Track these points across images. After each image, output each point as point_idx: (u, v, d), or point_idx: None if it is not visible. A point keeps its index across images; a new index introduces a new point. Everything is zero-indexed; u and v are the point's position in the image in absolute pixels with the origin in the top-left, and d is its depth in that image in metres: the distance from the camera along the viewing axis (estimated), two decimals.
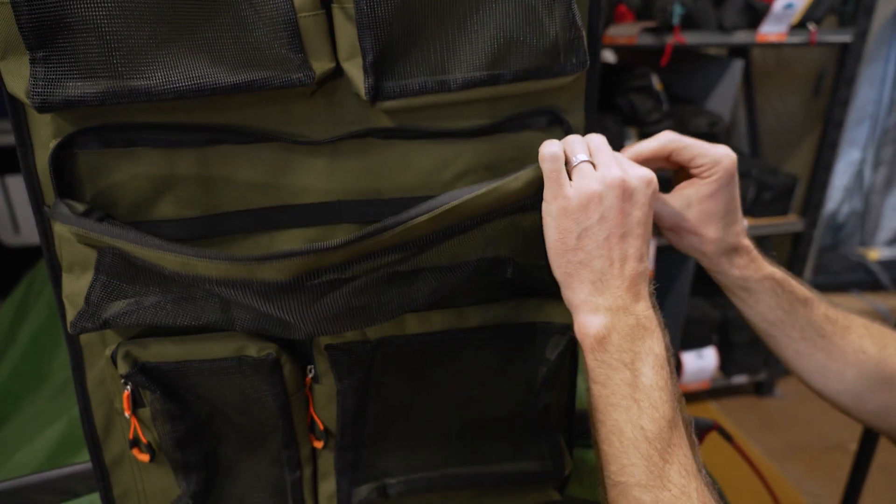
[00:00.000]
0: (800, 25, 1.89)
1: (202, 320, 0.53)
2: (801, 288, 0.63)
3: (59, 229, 0.52)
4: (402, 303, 0.54)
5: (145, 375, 0.57)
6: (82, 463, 0.66)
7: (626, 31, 1.74)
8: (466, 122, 0.56)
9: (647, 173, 0.51)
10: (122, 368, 0.57)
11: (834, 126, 2.03)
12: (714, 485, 0.49)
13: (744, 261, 0.61)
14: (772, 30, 1.86)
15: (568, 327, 0.63)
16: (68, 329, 0.53)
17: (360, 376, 0.59)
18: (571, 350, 0.65)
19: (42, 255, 0.56)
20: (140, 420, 0.60)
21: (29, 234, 2.53)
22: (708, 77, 2.10)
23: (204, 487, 0.64)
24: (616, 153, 0.52)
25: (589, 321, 0.50)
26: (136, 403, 0.60)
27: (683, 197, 0.58)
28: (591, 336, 0.50)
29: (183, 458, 0.61)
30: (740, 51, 2.24)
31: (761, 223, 2.14)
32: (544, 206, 0.51)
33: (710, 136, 2.00)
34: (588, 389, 0.51)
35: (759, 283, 0.61)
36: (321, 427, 0.62)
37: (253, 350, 0.57)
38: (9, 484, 0.63)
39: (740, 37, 1.85)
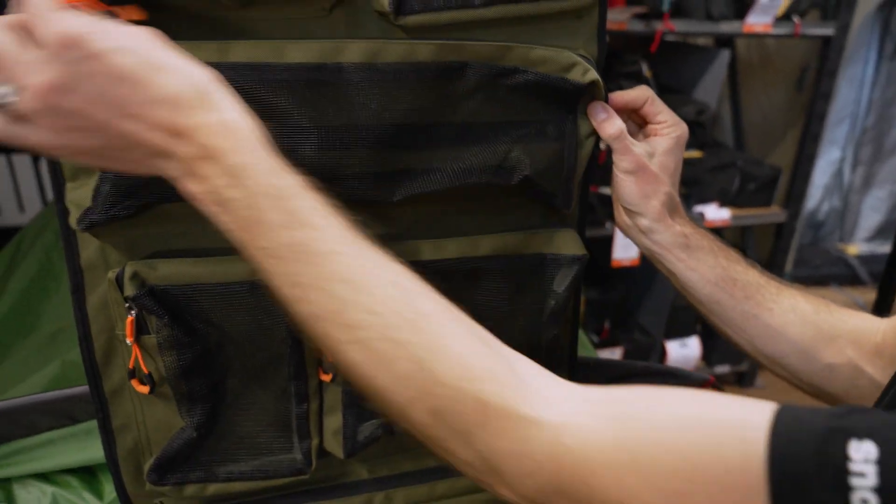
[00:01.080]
0: (785, 17, 1.95)
1: None
2: (730, 248, 0.66)
3: None
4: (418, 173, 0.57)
5: (153, 299, 0.56)
6: (82, 386, 0.65)
7: (617, 17, 1.78)
8: None
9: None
10: (129, 290, 0.55)
11: (817, 119, 2.09)
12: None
13: (683, 220, 0.64)
14: (758, 20, 1.91)
15: (576, 259, 0.65)
16: (74, 224, 0.53)
17: None
18: (577, 284, 0.67)
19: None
20: (143, 348, 0.59)
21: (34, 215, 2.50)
22: (695, 67, 2.15)
23: (208, 420, 0.62)
24: None
25: (187, 190, 0.42)
26: (139, 330, 0.58)
27: (649, 144, 0.64)
28: (204, 202, 0.42)
29: (188, 388, 0.60)
30: (727, 42, 2.29)
31: (745, 213, 2.19)
32: None
33: (697, 125, 2.05)
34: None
35: (699, 239, 0.63)
36: (330, 359, 0.63)
37: None
38: (6, 404, 0.63)
39: (727, 26, 1.90)
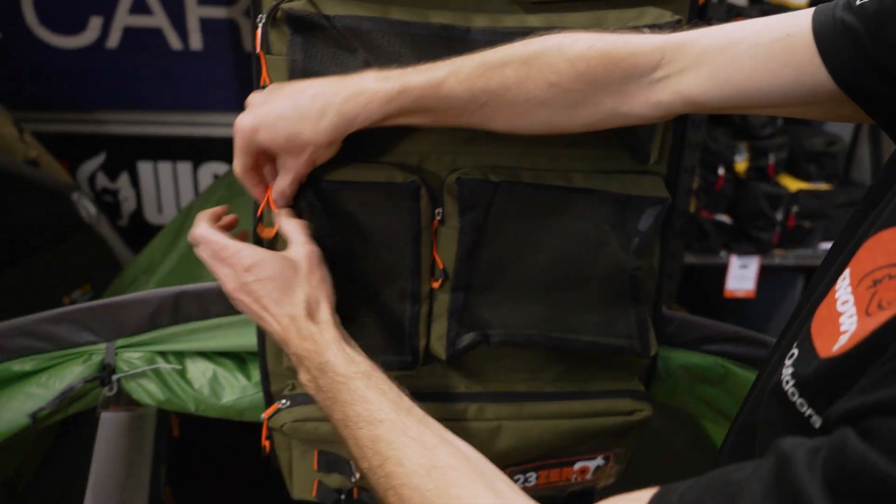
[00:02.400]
0: None
1: None
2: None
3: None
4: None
5: (312, 190, 0.69)
6: None
7: None
8: None
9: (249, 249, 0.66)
10: None
11: None
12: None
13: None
14: None
15: (659, 200, 0.74)
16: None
17: (480, 213, 0.72)
18: (660, 224, 0.76)
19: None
20: None
21: (169, 215, 2.90)
22: None
23: (340, 308, 0.71)
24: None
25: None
26: None
27: None
28: (309, 389, 0.63)
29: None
30: None
31: None
32: None
33: (828, 156, 2.03)
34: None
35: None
36: (440, 266, 0.76)
37: (400, 178, 0.72)
38: (193, 287, 0.81)
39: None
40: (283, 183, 0.67)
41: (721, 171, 1.97)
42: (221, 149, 2.87)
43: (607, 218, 0.75)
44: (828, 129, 2.11)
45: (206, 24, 2.66)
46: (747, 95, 0.58)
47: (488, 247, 0.75)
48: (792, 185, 2.03)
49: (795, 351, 0.46)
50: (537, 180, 0.73)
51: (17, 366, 0.82)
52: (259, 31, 0.68)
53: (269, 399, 0.81)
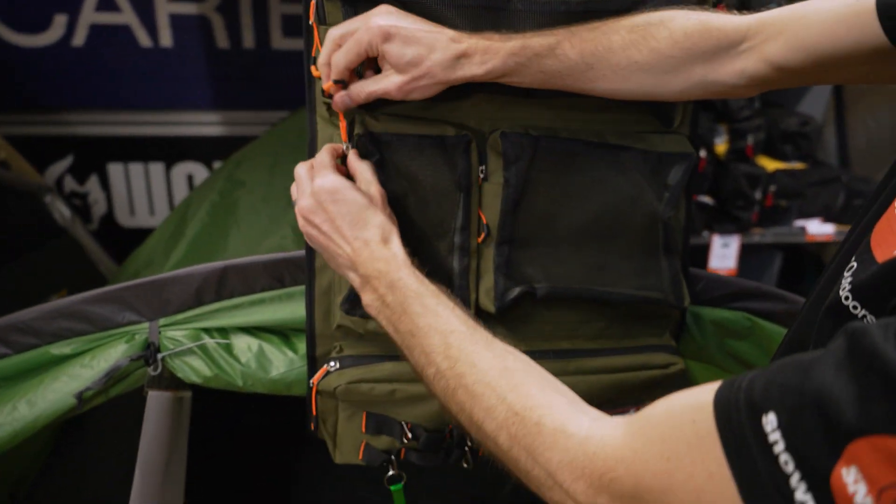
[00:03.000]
0: None
1: None
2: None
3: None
4: None
5: (371, 140, 0.74)
6: (292, 252, 0.84)
7: None
8: None
9: (332, 177, 0.70)
10: (357, 130, 0.74)
11: None
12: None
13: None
14: None
15: (687, 156, 0.79)
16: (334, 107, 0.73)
17: (523, 166, 0.76)
18: (687, 179, 0.81)
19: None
20: None
21: (142, 218, 2.86)
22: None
23: None
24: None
25: (364, 301, 0.68)
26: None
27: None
28: (372, 308, 0.67)
29: None
30: None
31: (847, 229, 2.22)
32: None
33: (802, 136, 2.13)
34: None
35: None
36: (484, 221, 0.79)
37: (451, 132, 0.75)
38: (239, 262, 0.82)
39: None
40: (372, 87, 0.70)
41: (703, 154, 2.05)
42: (195, 148, 2.83)
43: (641, 172, 0.80)
44: (801, 109, 2.22)
45: (176, 20, 2.62)
46: (817, 59, 0.64)
47: (530, 201, 0.79)
48: (769, 165, 2.13)
49: (855, 264, 0.49)
50: (574, 136, 0.77)
51: (57, 349, 0.81)
52: (313, 3, 0.71)
53: (313, 363, 0.83)
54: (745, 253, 2.21)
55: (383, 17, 0.68)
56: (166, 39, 2.63)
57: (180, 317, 0.82)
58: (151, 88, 2.69)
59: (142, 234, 2.86)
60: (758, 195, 2.11)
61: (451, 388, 0.58)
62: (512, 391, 0.54)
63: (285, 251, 0.86)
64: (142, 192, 2.85)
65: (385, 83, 0.70)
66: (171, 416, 0.84)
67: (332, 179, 0.69)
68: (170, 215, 1.57)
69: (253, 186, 1.42)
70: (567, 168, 0.79)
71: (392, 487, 0.87)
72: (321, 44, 0.72)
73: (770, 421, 0.37)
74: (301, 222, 0.72)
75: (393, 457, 0.85)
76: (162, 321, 0.82)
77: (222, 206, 1.39)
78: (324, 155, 0.73)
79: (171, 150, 2.82)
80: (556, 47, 0.69)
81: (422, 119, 0.76)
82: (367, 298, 0.68)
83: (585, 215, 0.81)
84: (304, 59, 0.75)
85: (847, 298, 0.47)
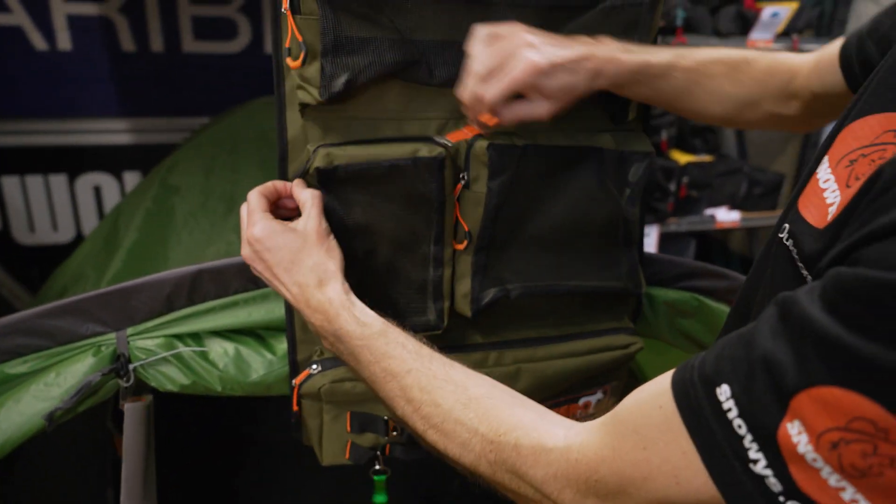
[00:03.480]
0: (784, 35, 2.23)
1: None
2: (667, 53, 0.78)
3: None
4: None
5: (333, 174, 0.72)
6: None
7: None
8: None
9: (258, 217, 0.70)
10: (320, 162, 0.72)
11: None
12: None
13: (621, 60, 0.74)
14: (760, 36, 2.19)
15: (647, 154, 0.85)
16: (319, 96, 0.71)
17: (508, 176, 0.78)
18: (647, 176, 0.87)
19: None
20: None
21: (43, 234, 2.68)
22: None
23: (362, 280, 0.75)
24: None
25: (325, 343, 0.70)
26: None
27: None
28: (334, 352, 0.69)
29: (348, 251, 0.74)
30: None
31: (753, 216, 2.42)
32: None
33: (710, 130, 2.30)
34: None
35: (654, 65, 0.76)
36: (466, 228, 0.81)
37: (425, 152, 0.76)
38: (213, 265, 0.80)
39: (733, 42, 2.17)
40: (524, 114, 0.73)
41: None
42: (102, 159, 2.68)
43: (606, 171, 0.85)
44: None
45: (75, 21, 2.49)
46: (826, 89, 0.74)
47: (507, 206, 0.81)
48: (681, 158, 2.29)
49: (787, 225, 0.55)
50: (551, 141, 0.81)
51: (12, 368, 0.77)
52: None
53: (295, 368, 0.83)
54: (663, 241, 2.36)
55: (534, 52, 0.69)
56: (65, 42, 2.49)
57: (150, 324, 0.80)
58: (49, 94, 2.53)
59: (43, 252, 2.71)
60: (672, 187, 2.25)
61: (421, 430, 0.59)
62: (482, 422, 0.55)
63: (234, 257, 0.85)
64: (42, 207, 2.68)
65: (538, 110, 0.73)
66: (146, 424, 0.81)
67: (262, 227, 0.69)
68: (97, 227, 1.49)
69: (188, 192, 1.38)
70: (543, 173, 0.82)
71: (376, 478, 0.88)
72: (299, 33, 0.71)
73: (724, 391, 0.41)
74: (248, 262, 0.72)
75: (379, 452, 0.86)
76: (130, 330, 0.79)
77: (158, 213, 1.34)
78: (253, 198, 0.72)
79: (74, 161, 2.67)
80: (670, 70, 0.75)
81: (397, 140, 0.77)
82: (326, 344, 0.70)
83: (556, 216, 0.84)
84: (273, 50, 0.73)
85: (786, 239, 0.53)
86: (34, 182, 2.63)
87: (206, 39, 2.64)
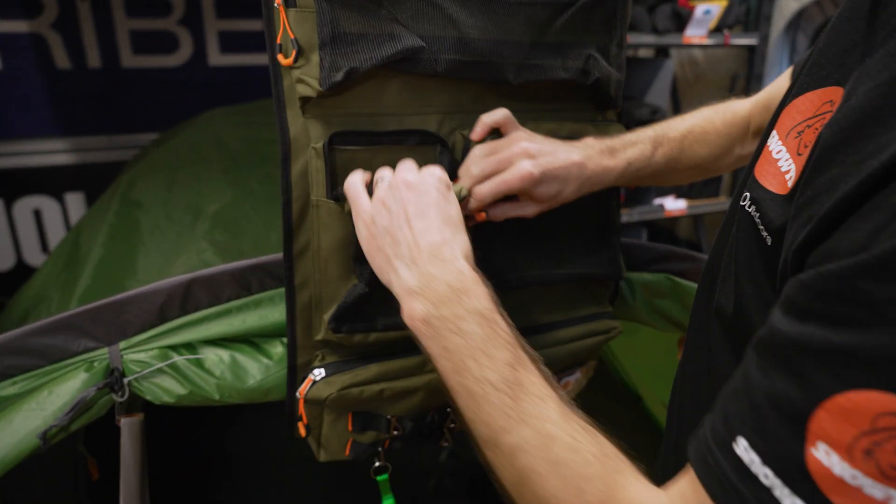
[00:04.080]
0: (716, 31, 2.35)
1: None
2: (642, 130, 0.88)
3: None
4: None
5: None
6: (261, 256, 0.83)
7: None
8: None
9: (433, 170, 0.69)
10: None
11: None
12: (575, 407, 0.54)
13: (623, 156, 0.83)
14: (695, 33, 2.30)
15: None
16: (319, 85, 0.70)
17: None
18: None
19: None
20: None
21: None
22: (643, 77, 2.51)
23: (375, 277, 0.71)
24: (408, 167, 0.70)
25: (412, 308, 0.60)
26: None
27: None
28: (417, 320, 0.60)
29: (359, 251, 0.72)
30: (665, 54, 2.68)
31: (697, 203, 2.53)
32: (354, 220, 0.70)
33: (654, 123, 2.39)
34: (436, 368, 0.59)
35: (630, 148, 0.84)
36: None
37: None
38: (205, 273, 0.80)
39: (670, 38, 2.27)
40: (512, 213, 0.80)
41: None
42: (41, 180, 2.58)
43: None
44: (649, 99, 2.49)
45: (5, 40, 2.39)
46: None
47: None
48: None
49: (748, 193, 0.58)
50: (538, 132, 0.84)
51: (0, 391, 0.75)
52: None
53: (294, 372, 0.82)
54: None
55: (530, 161, 0.75)
56: None
57: (143, 336, 0.79)
58: None
59: None
60: None
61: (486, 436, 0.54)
62: (558, 462, 0.50)
63: (209, 266, 0.85)
64: None
65: (526, 211, 0.80)
66: (141, 440, 0.80)
67: (417, 175, 0.68)
68: (57, 247, 1.44)
69: (152, 206, 1.35)
70: None
71: (378, 478, 0.89)
72: (290, 29, 0.70)
73: (741, 444, 0.40)
74: (372, 208, 0.67)
75: (379, 448, 0.87)
76: (122, 344, 0.78)
77: (122, 228, 1.31)
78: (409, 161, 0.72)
79: (9, 184, 2.56)
80: (650, 158, 0.84)
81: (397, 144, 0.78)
82: (407, 294, 0.62)
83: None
84: (267, 47, 0.72)
85: (749, 206, 0.56)
86: None
87: (146, 53, 2.59)
